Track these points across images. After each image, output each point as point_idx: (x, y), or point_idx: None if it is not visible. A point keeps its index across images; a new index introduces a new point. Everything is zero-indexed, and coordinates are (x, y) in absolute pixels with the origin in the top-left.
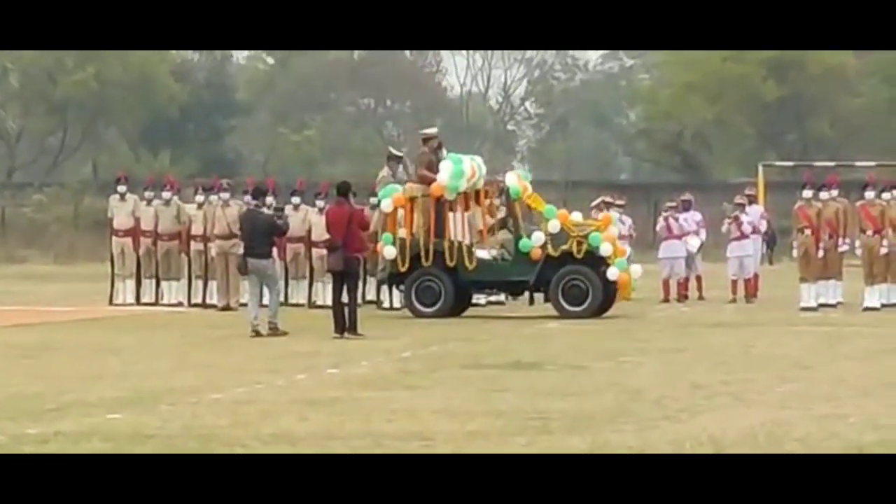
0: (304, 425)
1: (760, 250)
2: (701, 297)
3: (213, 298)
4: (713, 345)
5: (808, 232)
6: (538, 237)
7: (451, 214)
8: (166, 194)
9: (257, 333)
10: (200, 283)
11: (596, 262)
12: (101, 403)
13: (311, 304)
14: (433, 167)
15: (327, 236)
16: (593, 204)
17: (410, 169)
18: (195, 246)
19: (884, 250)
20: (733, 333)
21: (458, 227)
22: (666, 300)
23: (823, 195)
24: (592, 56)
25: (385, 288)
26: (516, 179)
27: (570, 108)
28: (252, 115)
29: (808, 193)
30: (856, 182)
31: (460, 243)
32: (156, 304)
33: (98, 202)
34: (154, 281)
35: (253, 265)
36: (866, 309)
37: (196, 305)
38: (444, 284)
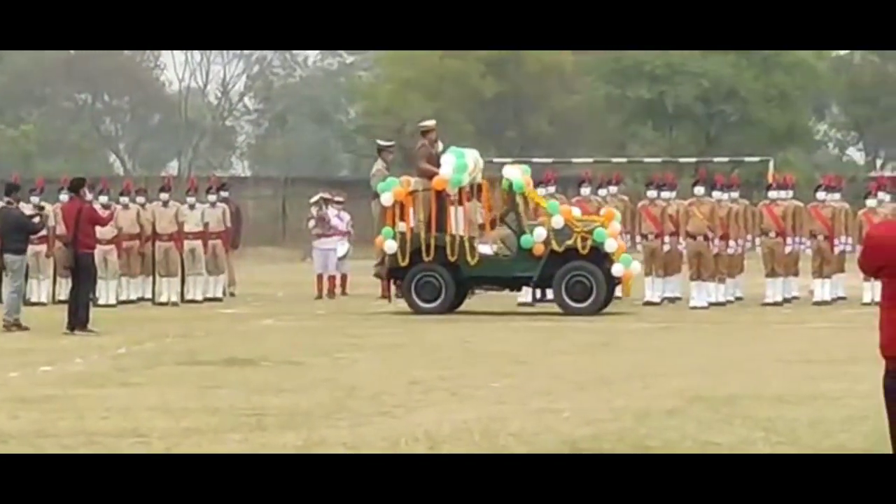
0: (16, 423)
1: None
2: (345, 293)
3: None
4: (430, 340)
5: None
6: (540, 233)
7: (452, 208)
8: None
9: (15, 328)
10: None
11: (600, 258)
12: None
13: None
14: (433, 160)
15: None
16: (312, 200)
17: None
18: None
19: None
20: (451, 329)
21: (459, 221)
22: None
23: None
24: (312, 52)
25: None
26: (519, 173)
27: (290, 104)
28: None
29: None
30: (573, 178)
31: (462, 238)
32: None
33: None
34: None
35: (6, 261)
36: None
37: None
38: (444, 280)
